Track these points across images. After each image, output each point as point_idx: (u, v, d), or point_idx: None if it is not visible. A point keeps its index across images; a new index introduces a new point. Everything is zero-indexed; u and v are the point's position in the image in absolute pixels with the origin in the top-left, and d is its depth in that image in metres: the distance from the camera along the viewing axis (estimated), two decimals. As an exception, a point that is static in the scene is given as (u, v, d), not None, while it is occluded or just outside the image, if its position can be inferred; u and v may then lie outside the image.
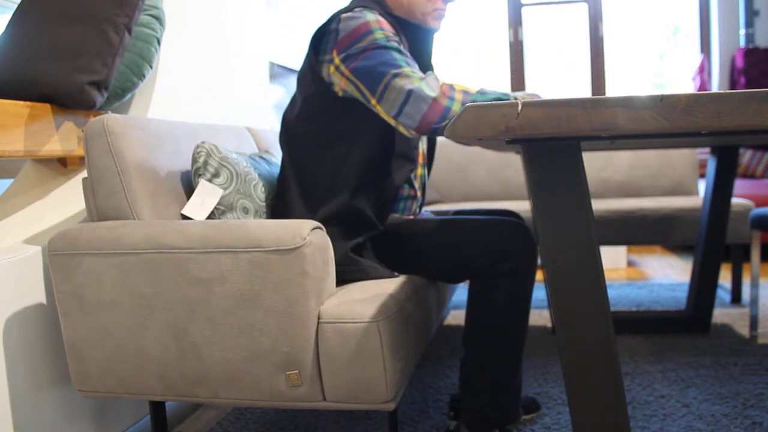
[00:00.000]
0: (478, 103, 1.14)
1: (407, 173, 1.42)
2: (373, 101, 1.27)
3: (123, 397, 1.24)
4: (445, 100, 1.20)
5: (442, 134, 1.20)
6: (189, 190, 1.43)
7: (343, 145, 1.36)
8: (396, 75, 1.23)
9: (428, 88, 1.21)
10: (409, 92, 1.21)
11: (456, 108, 1.19)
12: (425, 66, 1.50)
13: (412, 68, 1.25)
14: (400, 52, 1.27)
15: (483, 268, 1.32)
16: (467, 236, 1.35)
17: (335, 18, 1.33)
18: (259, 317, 1.12)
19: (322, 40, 1.36)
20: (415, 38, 1.46)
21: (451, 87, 1.23)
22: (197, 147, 1.40)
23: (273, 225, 1.13)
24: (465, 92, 1.23)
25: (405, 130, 1.25)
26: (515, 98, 1.18)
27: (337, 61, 1.31)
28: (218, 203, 1.36)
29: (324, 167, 1.37)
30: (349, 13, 1.32)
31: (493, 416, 1.38)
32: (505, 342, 1.35)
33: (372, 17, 1.31)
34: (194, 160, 1.38)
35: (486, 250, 1.32)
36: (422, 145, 1.54)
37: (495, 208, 1.73)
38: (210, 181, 1.37)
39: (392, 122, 1.26)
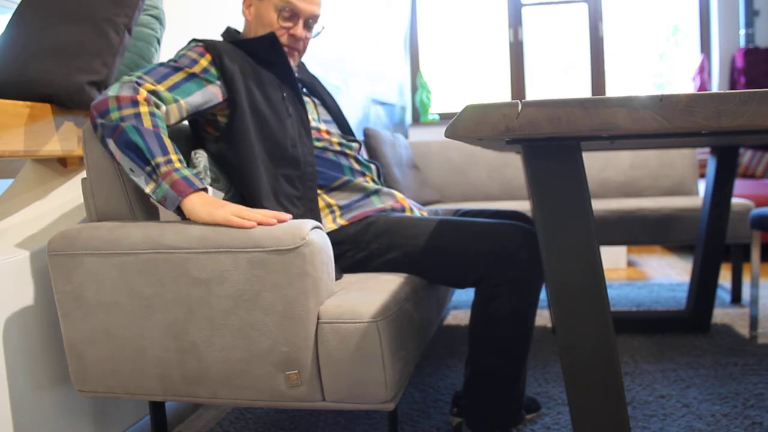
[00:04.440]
0: (134, 139, 1.19)
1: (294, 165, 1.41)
2: None
3: (123, 397, 1.24)
4: (113, 102, 1.23)
5: (100, 139, 1.23)
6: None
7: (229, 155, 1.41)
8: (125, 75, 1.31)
9: (117, 87, 1.25)
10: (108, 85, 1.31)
11: (113, 116, 1.21)
12: (284, 72, 1.48)
13: (139, 74, 1.30)
14: (161, 65, 1.34)
15: (488, 274, 1.31)
16: (472, 240, 1.33)
17: None
18: (258, 317, 1.12)
19: None
20: (259, 50, 1.47)
21: (133, 102, 1.23)
22: (195, 152, 1.40)
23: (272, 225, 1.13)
24: (136, 116, 1.22)
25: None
26: (155, 164, 1.18)
27: None
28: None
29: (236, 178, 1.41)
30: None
31: (495, 418, 1.38)
32: (509, 348, 1.34)
33: (190, 45, 1.43)
34: (194, 165, 1.38)
35: (491, 255, 1.31)
36: (320, 125, 1.54)
37: (502, 209, 1.70)
38: (210, 185, 1.37)
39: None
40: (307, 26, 1.51)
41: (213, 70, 1.39)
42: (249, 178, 1.37)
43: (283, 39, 1.48)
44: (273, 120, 1.40)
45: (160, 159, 1.19)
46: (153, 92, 1.28)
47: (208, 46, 1.41)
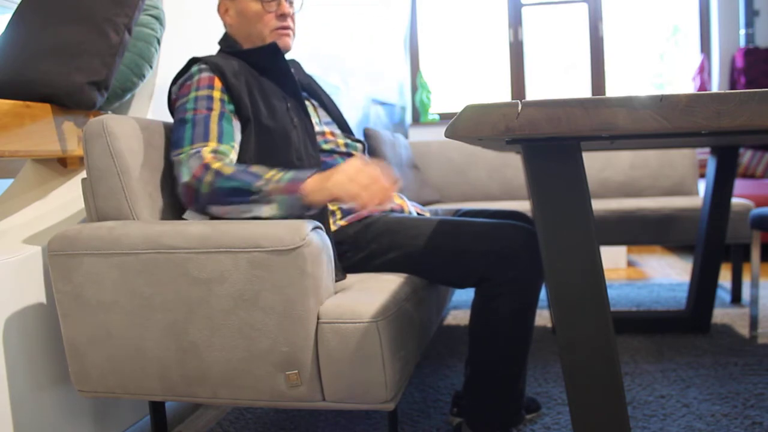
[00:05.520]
0: (229, 185, 1.22)
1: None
2: None
3: (123, 398, 1.24)
4: (194, 183, 1.25)
5: (206, 207, 1.26)
6: (189, 190, 1.43)
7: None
8: (174, 160, 1.31)
9: (186, 172, 1.27)
10: (175, 177, 1.30)
11: (204, 190, 1.24)
12: (286, 80, 1.49)
13: (186, 147, 1.30)
14: (193, 123, 1.33)
15: (488, 274, 1.31)
16: (472, 240, 1.33)
17: (174, 81, 1.45)
18: (258, 317, 1.12)
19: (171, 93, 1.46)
20: (262, 60, 1.48)
21: (205, 168, 1.26)
22: None
23: (272, 225, 1.13)
24: (216, 173, 1.25)
25: None
26: (257, 189, 1.21)
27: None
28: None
29: None
30: (183, 76, 1.42)
31: (495, 418, 1.38)
32: (509, 348, 1.34)
33: (195, 78, 1.39)
34: None
35: (492, 255, 1.31)
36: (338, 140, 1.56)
37: (502, 209, 1.69)
38: None
39: None
40: (289, 2, 1.53)
41: (227, 98, 1.39)
42: None
43: (274, 22, 1.49)
44: (277, 133, 1.40)
45: (260, 183, 1.21)
46: (214, 151, 1.29)
47: (212, 68, 1.40)
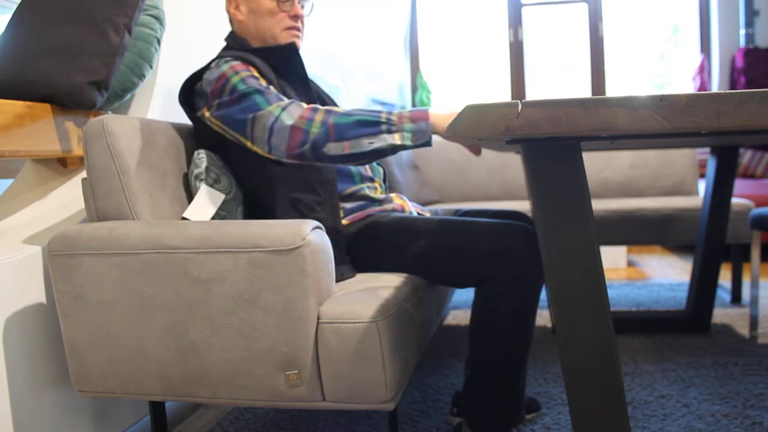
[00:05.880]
0: (352, 119, 1.24)
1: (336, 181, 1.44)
2: (248, 144, 1.34)
3: (123, 397, 1.24)
4: (303, 124, 1.26)
5: (316, 158, 1.27)
6: (189, 191, 1.43)
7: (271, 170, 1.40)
8: (258, 116, 1.30)
9: (288, 117, 1.27)
10: (271, 127, 1.28)
11: (315, 129, 1.25)
12: (302, 82, 1.50)
13: (271, 104, 1.30)
14: (258, 91, 1.32)
15: (488, 274, 1.31)
16: (472, 240, 1.33)
17: (198, 78, 1.42)
18: (258, 317, 1.12)
19: (192, 97, 1.44)
20: (279, 61, 1.48)
21: (314, 109, 1.28)
22: (198, 152, 1.40)
23: (272, 225, 1.13)
24: (328, 112, 1.27)
25: (280, 160, 1.32)
26: (386, 119, 1.25)
27: (207, 114, 1.39)
28: (220, 208, 1.36)
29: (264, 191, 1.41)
30: (207, 72, 1.40)
31: (495, 418, 1.38)
32: (509, 348, 1.34)
33: (225, 67, 1.38)
34: (195, 165, 1.38)
35: (492, 255, 1.31)
36: None
37: (503, 209, 1.69)
38: (212, 186, 1.37)
39: (269, 157, 1.32)
40: (301, 4, 1.54)
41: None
42: (265, 189, 1.39)
43: (287, 21, 1.49)
44: None
45: (383, 114, 1.25)
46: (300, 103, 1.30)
47: (243, 60, 1.39)
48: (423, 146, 1.25)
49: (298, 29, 1.52)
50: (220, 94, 1.35)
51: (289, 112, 1.27)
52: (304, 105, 1.29)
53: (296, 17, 1.51)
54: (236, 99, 1.33)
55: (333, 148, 1.25)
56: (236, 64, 1.38)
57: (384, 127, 1.24)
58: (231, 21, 1.55)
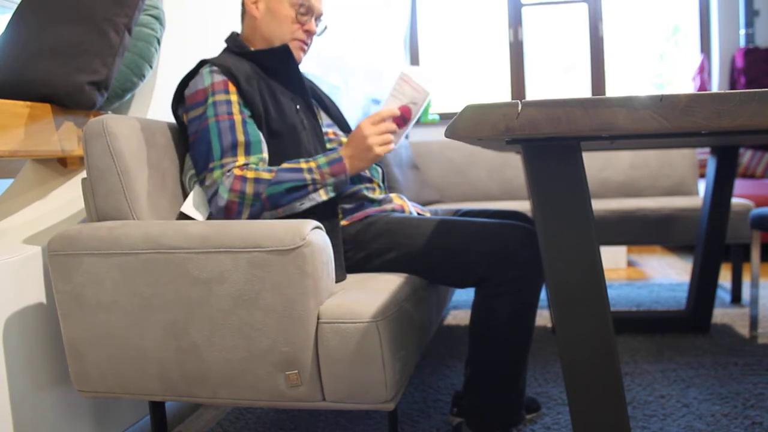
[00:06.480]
0: (282, 188, 1.29)
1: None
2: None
3: (123, 397, 1.24)
4: (237, 197, 1.30)
5: (256, 216, 1.32)
6: (187, 191, 1.43)
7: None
8: (207, 174, 1.33)
9: (224, 190, 1.30)
10: (210, 199, 1.32)
11: (249, 202, 1.30)
12: (296, 84, 1.50)
13: (223, 157, 1.32)
14: (217, 130, 1.34)
15: (488, 274, 1.31)
16: (472, 240, 1.33)
17: (185, 85, 1.43)
18: (258, 317, 1.12)
19: (181, 97, 1.45)
20: (274, 63, 1.48)
21: (243, 179, 1.30)
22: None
23: (272, 225, 1.13)
24: (257, 181, 1.30)
25: None
26: (311, 180, 1.32)
27: (185, 118, 1.42)
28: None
29: None
30: (192, 81, 1.41)
31: (495, 418, 1.38)
32: (509, 348, 1.34)
33: (207, 82, 1.38)
34: (189, 167, 1.38)
35: (492, 255, 1.31)
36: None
37: (503, 209, 1.69)
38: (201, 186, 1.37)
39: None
40: (316, 23, 1.56)
41: (242, 102, 1.39)
42: None
43: (298, 34, 1.51)
44: (287, 136, 1.41)
45: (306, 175, 1.32)
46: (243, 165, 1.32)
47: (225, 72, 1.39)
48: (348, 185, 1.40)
49: (306, 44, 1.55)
50: (194, 108, 1.38)
51: (224, 183, 1.30)
52: (237, 172, 1.30)
53: (308, 33, 1.53)
54: (201, 131, 1.35)
55: (268, 215, 1.32)
56: (217, 81, 1.38)
57: (311, 188, 1.32)
58: (243, 15, 1.55)
